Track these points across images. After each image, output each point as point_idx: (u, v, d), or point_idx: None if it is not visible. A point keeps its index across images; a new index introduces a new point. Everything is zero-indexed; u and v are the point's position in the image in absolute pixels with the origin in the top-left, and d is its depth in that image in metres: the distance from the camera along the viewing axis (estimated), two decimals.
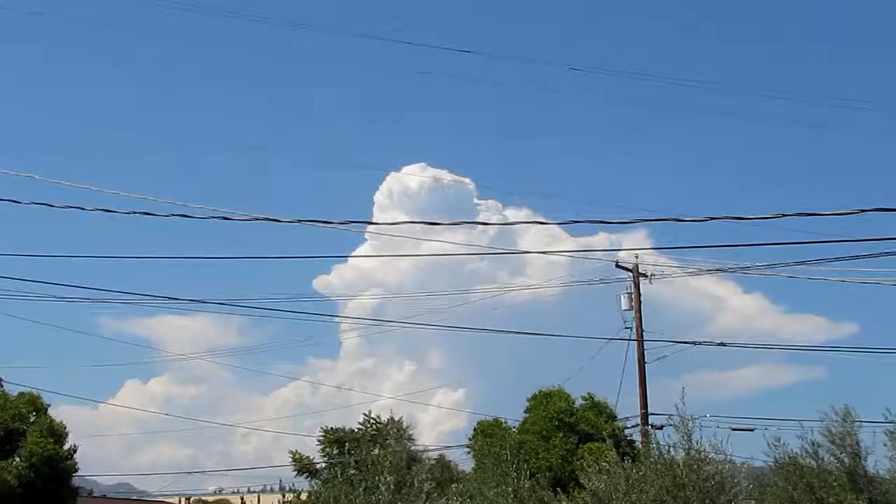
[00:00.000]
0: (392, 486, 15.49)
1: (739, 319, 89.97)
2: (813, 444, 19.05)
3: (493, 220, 41.90)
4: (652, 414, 29.99)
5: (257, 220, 17.82)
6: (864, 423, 19.74)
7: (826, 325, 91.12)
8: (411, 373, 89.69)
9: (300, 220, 18.49)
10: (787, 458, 19.17)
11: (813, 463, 18.92)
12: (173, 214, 16.81)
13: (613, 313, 31.35)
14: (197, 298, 26.37)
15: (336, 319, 64.73)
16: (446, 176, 78.98)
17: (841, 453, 19.15)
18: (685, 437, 17.23)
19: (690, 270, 32.24)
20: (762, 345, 45.17)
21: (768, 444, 19.25)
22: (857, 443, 19.22)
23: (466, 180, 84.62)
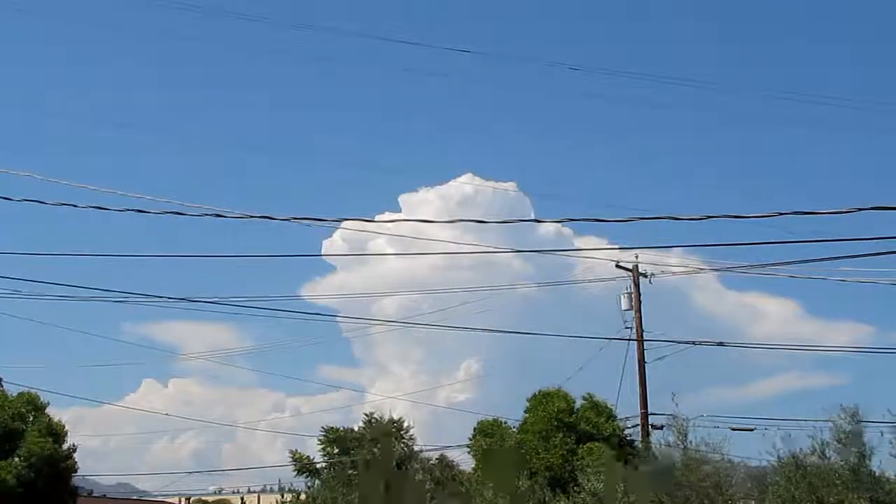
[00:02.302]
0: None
1: (775, 327, 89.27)
2: (821, 442, 18.97)
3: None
4: (652, 414, 29.86)
5: (252, 217, 17.68)
6: (871, 423, 19.67)
7: (872, 332, 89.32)
8: (425, 368, 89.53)
9: (295, 219, 18.29)
10: (789, 457, 19.07)
11: (817, 462, 18.82)
12: (167, 212, 16.67)
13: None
14: (187, 297, 26.19)
15: (339, 320, 64.29)
16: (487, 182, 77.89)
17: (847, 452, 19.05)
18: (681, 438, 17.15)
19: (690, 270, 32.11)
20: (763, 345, 44.87)
21: (772, 444, 19.17)
22: (864, 442, 19.14)
23: (509, 185, 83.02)
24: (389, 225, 30.61)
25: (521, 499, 17.44)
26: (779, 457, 19.16)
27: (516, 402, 32.16)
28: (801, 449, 19.03)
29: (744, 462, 20.53)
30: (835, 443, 19.10)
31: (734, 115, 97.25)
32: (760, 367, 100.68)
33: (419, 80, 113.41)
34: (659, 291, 31.97)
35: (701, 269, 31.58)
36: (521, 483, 18.19)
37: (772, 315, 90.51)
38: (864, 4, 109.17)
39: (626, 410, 31.87)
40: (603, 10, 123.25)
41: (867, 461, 19.20)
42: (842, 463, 18.92)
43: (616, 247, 39.18)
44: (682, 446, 17.04)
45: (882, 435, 19.51)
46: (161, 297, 25.70)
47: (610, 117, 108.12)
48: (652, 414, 29.75)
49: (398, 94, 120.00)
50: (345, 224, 24.36)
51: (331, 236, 66.80)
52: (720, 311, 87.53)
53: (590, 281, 33.21)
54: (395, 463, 16.62)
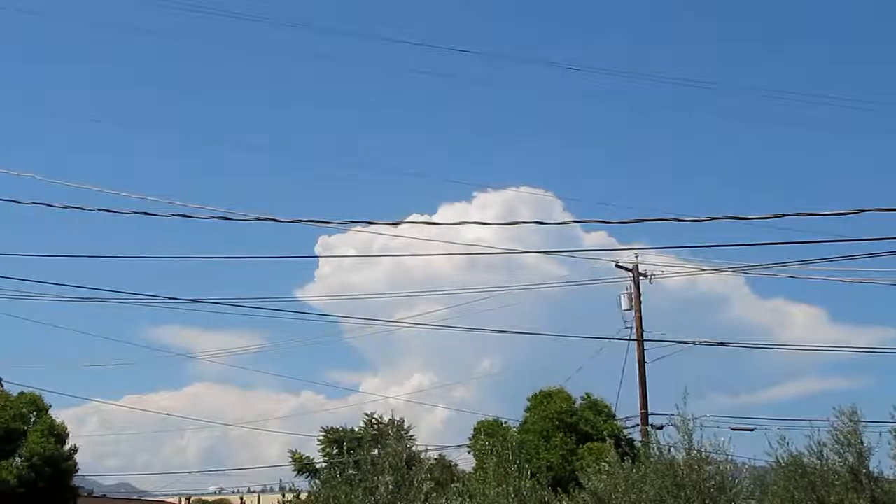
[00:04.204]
0: (391, 487, 15.45)
1: (801, 332, 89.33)
2: (818, 443, 19.01)
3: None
4: (652, 414, 29.97)
5: (258, 219, 17.69)
6: (870, 423, 19.71)
7: None
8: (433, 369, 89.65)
9: (300, 220, 18.38)
10: (788, 457, 19.12)
11: (816, 462, 18.87)
12: (174, 215, 16.67)
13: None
14: (194, 298, 26.21)
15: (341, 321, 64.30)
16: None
17: (846, 452, 19.09)
18: (686, 437, 17.20)
19: (690, 270, 32.20)
20: (763, 345, 44.87)
21: (770, 444, 19.22)
22: (862, 442, 19.18)
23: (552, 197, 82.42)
24: (387, 227, 30.69)
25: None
26: (777, 458, 19.22)
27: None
28: (796, 449, 19.09)
29: (747, 464, 20.57)
30: (832, 443, 19.15)
31: (734, 115, 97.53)
32: (782, 370, 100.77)
33: (419, 80, 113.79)
34: (678, 295, 32.10)
35: (702, 269, 31.68)
36: (523, 483, 18.23)
37: (798, 320, 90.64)
38: (865, 4, 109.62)
39: (627, 410, 32.07)
40: (603, 10, 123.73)
41: (866, 461, 19.25)
42: (840, 463, 18.97)
43: (625, 247, 39.31)
44: (686, 445, 17.09)
45: (881, 435, 19.58)
46: (173, 298, 25.68)
47: (610, 117, 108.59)
48: (652, 414, 29.89)
49: (398, 94, 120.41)
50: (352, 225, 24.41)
51: (330, 236, 66.85)
52: (753, 316, 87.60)
53: (595, 282, 33.30)
54: (405, 463, 16.65)
